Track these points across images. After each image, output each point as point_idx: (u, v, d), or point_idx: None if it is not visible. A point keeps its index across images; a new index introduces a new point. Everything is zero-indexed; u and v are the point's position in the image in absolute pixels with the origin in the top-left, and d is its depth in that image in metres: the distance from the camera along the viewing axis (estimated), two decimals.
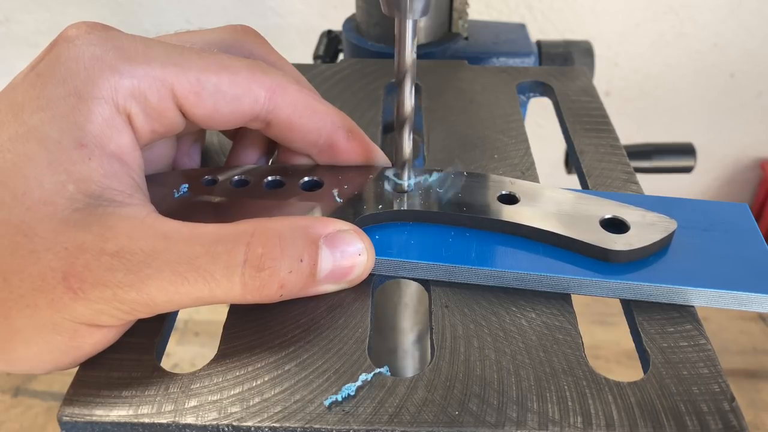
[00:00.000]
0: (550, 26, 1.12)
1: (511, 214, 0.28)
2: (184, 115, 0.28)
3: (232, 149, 0.33)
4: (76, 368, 0.24)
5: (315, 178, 0.30)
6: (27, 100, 0.24)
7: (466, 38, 0.53)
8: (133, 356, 0.25)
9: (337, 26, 0.58)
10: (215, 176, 0.31)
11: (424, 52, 0.49)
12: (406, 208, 0.29)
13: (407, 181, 0.30)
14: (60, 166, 0.23)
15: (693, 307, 0.26)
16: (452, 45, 0.51)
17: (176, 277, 0.22)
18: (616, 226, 0.28)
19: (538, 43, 0.54)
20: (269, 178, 0.30)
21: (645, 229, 0.27)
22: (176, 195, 0.30)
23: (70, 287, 0.22)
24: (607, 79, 1.17)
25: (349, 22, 0.54)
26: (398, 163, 0.29)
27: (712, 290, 0.26)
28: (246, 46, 0.31)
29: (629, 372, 0.91)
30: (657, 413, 0.22)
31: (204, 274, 0.23)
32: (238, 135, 0.33)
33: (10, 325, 0.22)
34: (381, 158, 0.31)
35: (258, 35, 0.32)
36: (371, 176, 0.30)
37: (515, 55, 0.51)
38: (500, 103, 0.40)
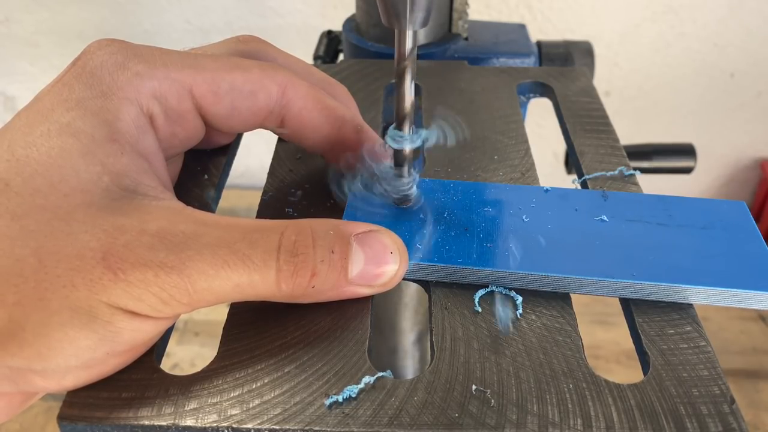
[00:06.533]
0: (550, 26, 1.12)
1: None
2: (203, 117, 0.29)
3: None
4: None
5: None
6: (56, 104, 0.25)
7: (466, 38, 0.53)
8: None
9: (337, 26, 0.58)
10: None
11: (424, 52, 0.49)
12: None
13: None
14: (95, 157, 0.24)
15: (693, 308, 0.26)
16: (452, 45, 0.50)
17: (216, 260, 0.22)
18: None
19: (538, 44, 0.54)
20: None
21: None
22: None
23: (109, 267, 0.21)
24: (607, 79, 1.17)
25: (349, 22, 0.54)
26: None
27: (711, 288, 0.26)
28: (253, 53, 0.31)
29: (629, 372, 0.91)
30: (657, 415, 0.22)
31: (243, 258, 0.23)
32: None
33: (46, 307, 0.21)
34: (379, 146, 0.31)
35: (263, 41, 0.32)
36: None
37: (515, 56, 0.51)
38: (500, 103, 0.40)
